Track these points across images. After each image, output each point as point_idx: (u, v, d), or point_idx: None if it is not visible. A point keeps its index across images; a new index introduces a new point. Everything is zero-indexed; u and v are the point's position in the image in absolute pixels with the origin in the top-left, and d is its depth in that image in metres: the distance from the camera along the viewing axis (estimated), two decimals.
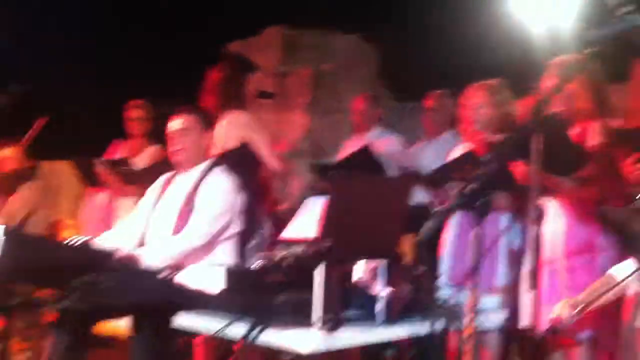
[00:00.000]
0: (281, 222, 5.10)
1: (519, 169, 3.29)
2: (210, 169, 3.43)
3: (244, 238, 3.65)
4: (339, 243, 2.19)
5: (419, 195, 4.88)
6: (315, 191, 5.59)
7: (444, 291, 3.74)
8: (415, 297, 2.53)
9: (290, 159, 6.06)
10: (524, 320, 2.96)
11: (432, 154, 4.91)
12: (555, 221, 3.37)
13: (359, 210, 2.40)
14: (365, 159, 4.75)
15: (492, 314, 3.55)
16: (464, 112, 3.88)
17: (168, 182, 3.57)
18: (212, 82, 4.02)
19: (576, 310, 2.74)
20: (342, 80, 6.48)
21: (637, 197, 1.49)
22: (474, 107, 3.79)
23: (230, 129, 3.89)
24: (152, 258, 3.18)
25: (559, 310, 2.79)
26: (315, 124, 6.43)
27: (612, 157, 3.12)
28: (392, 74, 6.35)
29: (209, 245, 3.36)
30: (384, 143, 5.12)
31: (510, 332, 3.58)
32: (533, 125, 2.77)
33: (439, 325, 2.49)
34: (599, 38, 2.10)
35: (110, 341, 3.62)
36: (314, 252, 2.20)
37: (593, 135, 3.28)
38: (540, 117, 2.82)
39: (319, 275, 2.16)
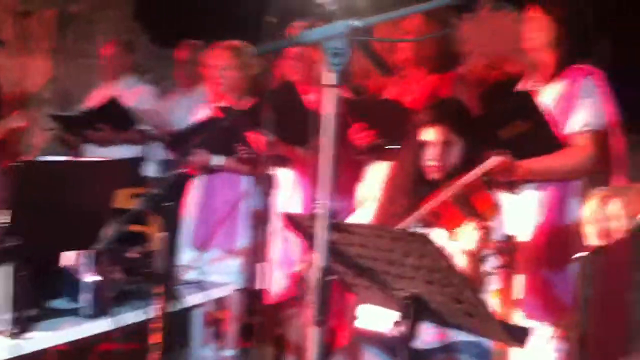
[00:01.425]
0: None
1: (253, 136, 3.24)
2: None
3: None
4: (29, 239, 1.96)
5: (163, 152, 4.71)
6: (65, 144, 5.21)
7: (186, 256, 3.68)
8: (131, 284, 2.38)
9: (33, 108, 5.57)
10: (262, 283, 2.98)
11: (184, 108, 4.71)
12: (292, 189, 3.40)
13: (53, 200, 2.17)
14: (112, 111, 4.46)
15: (232, 275, 3.55)
16: (208, 72, 3.75)
17: None
18: None
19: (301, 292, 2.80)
20: (93, 22, 6.00)
21: (316, 203, 1.49)
22: (218, 68, 3.67)
23: None
24: None
25: (281, 284, 2.83)
26: (62, 70, 5.92)
27: (343, 125, 3.20)
28: (149, 16, 5.96)
29: None
30: (135, 93, 4.83)
31: (250, 293, 3.60)
32: (264, 92, 2.71)
33: (156, 309, 2.36)
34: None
35: None
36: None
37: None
38: (271, 84, 2.77)
39: (3, 274, 1.93)
